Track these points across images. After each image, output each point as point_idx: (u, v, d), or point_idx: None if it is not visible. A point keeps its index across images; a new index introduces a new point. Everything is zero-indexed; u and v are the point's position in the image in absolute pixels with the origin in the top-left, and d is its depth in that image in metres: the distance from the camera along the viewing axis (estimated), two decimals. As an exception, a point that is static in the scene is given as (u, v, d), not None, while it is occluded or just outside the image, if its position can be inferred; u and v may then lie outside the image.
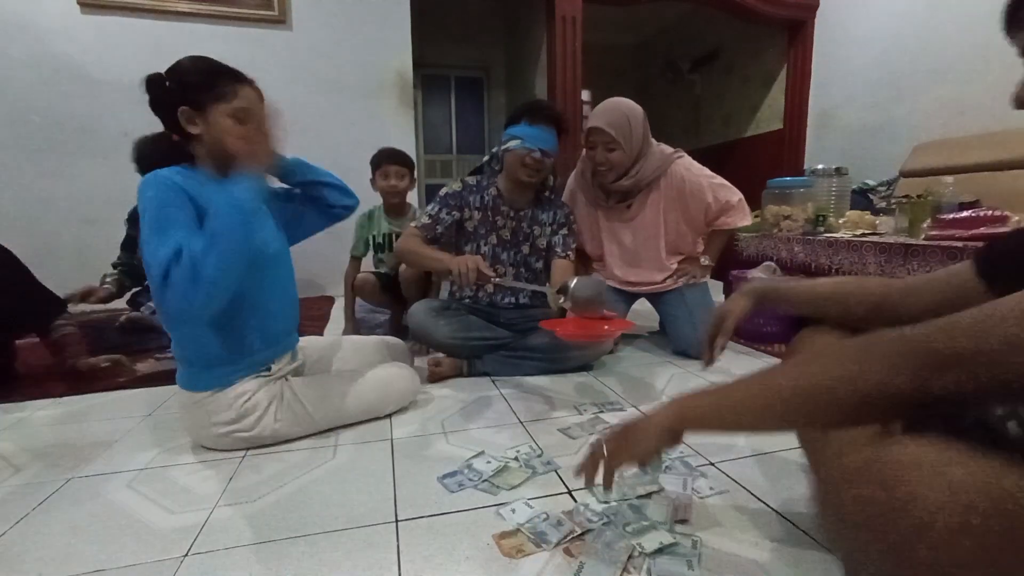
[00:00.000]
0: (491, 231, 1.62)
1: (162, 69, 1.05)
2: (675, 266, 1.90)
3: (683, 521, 0.85)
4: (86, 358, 1.64)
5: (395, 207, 2.16)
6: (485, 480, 0.98)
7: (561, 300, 1.29)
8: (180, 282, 0.90)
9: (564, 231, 1.68)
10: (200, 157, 1.08)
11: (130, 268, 2.09)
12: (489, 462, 1.04)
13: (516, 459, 1.06)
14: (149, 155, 1.07)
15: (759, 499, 0.91)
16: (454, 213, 1.58)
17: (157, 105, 1.06)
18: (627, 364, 1.77)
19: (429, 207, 1.57)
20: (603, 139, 1.67)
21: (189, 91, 1.04)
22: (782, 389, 0.53)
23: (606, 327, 1.31)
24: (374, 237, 2.18)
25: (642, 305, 2.02)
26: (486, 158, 1.65)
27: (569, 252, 1.67)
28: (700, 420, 0.60)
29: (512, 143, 1.51)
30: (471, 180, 1.63)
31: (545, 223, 1.66)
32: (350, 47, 3.17)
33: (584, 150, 1.78)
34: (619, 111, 1.67)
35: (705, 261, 1.91)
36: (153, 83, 1.04)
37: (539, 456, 1.08)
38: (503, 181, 1.62)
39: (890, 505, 0.43)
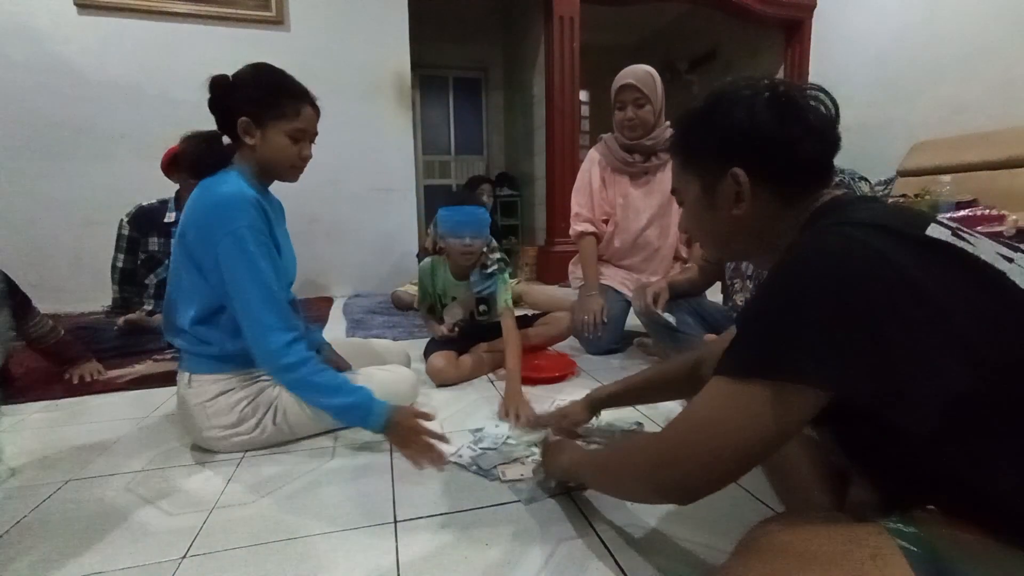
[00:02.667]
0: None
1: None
2: (684, 252, 1.94)
3: None
4: (71, 369, 1.65)
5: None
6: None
7: None
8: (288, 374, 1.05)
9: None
10: (245, 160, 1.11)
11: (132, 274, 2.08)
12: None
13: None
14: (202, 155, 1.11)
15: (756, 498, 0.92)
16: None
17: (216, 106, 1.09)
18: (626, 363, 1.78)
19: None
20: (633, 95, 1.78)
21: (252, 104, 1.07)
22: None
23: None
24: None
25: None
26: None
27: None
28: (578, 478, 0.88)
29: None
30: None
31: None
32: (348, 48, 3.17)
33: (614, 113, 1.87)
34: (643, 70, 1.79)
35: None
36: (217, 85, 1.07)
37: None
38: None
39: None
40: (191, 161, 1.12)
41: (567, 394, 1.48)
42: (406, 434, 1.03)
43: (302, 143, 1.13)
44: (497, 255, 1.69)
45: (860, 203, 0.60)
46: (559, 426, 1.15)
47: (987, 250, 0.49)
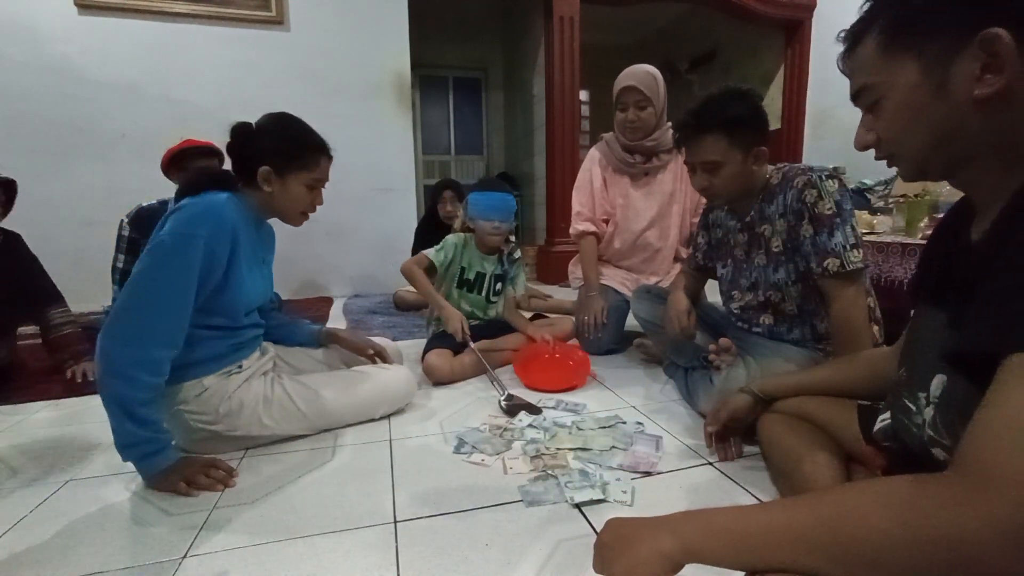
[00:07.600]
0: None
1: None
2: (683, 252, 1.94)
3: (647, 474, 1.00)
4: (74, 364, 1.65)
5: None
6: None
7: None
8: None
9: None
10: (253, 196, 1.13)
11: None
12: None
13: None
14: (198, 186, 1.10)
15: (747, 490, 0.92)
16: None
17: (235, 152, 1.12)
18: (627, 363, 1.77)
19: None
20: (634, 97, 1.78)
21: (275, 155, 1.10)
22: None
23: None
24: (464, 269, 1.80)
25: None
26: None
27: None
28: (711, 555, 0.45)
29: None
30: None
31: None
32: (348, 48, 3.17)
33: (615, 113, 1.87)
34: (646, 71, 1.78)
35: None
36: (239, 133, 1.11)
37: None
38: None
39: None
40: (186, 188, 1.12)
41: (575, 396, 1.48)
42: (196, 471, 0.99)
43: (316, 190, 1.18)
44: (517, 253, 1.84)
45: None
46: (717, 418, 1.03)
47: None
